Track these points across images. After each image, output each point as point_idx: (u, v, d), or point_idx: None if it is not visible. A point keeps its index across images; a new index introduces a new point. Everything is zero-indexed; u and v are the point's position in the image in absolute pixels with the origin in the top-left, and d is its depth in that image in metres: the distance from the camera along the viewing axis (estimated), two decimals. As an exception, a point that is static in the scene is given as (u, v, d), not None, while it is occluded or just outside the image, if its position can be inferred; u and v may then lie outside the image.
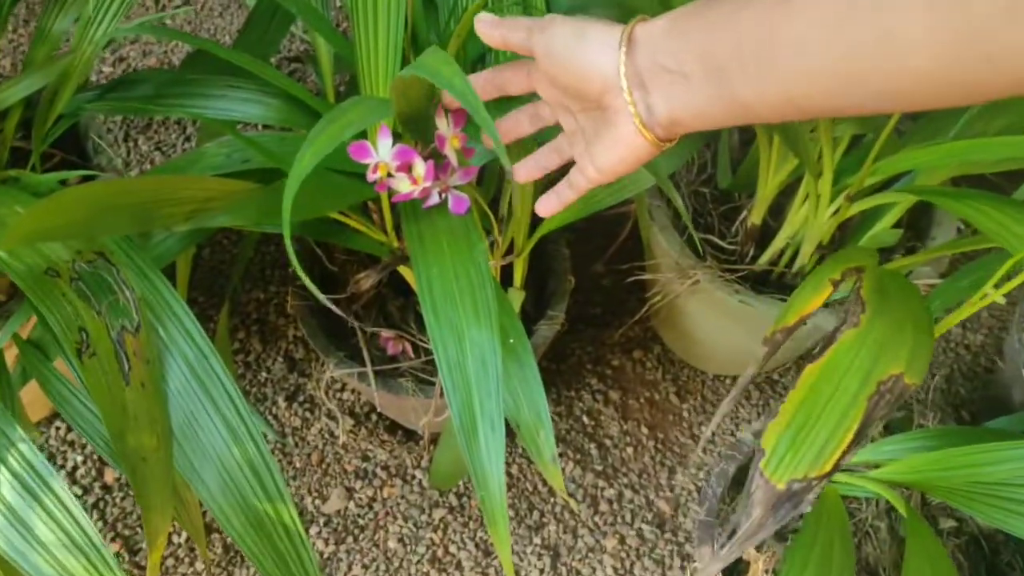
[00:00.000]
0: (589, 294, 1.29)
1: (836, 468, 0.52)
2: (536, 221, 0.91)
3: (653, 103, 0.50)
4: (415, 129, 0.67)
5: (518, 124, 0.64)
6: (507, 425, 0.72)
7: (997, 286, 0.65)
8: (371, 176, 0.65)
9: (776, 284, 1.00)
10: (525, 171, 0.65)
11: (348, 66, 0.92)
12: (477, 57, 0.86)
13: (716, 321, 1.06)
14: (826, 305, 0.70)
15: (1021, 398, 1.07)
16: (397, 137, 0.69)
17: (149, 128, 1.39)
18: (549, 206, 0.64)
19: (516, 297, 0.94)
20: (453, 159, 0.66)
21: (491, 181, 0.93)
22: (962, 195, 0.62)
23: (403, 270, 0.91)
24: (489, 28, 0.57)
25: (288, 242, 0.50)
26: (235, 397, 0.60)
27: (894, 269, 0.76)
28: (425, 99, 0.64)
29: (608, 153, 0.54)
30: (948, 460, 0.66)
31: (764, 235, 1.01)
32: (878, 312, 0.56)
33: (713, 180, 1.07)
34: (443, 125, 0.65)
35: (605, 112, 0.53)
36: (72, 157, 0.94)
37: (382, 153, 0.64)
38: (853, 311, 0.56)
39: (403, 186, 0.65)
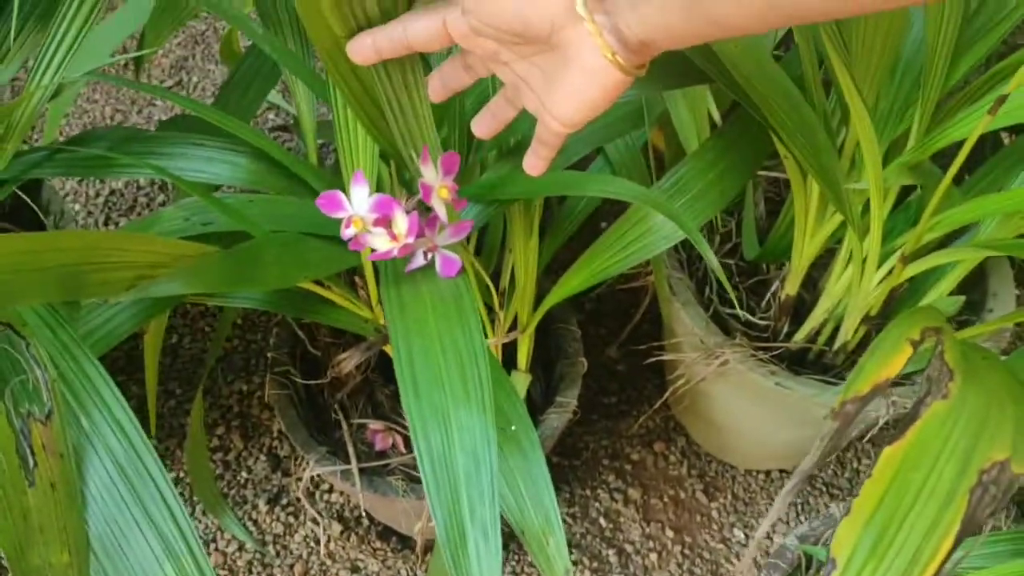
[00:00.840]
0: (603, 382, 1.17)
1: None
2: (541, 294, 0.82)
3: (620, 26, 0.43)
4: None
5: (453, 76, 0.56)
6: (508, 530, 0.60)
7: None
8: (345, 232, 0.55)
9: (815, 364, 0.89)
10: (484, 125, 0.57)
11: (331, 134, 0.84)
12: (474, 112, 0.77)
13: (748, 407, 0.94)
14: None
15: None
16: (377, 187, 0.60)
17: (132, 211, 1.31)
18: (533, 165, 0.55)
19: (521, 381, 0.83)
20: (441, 213, 0.56)
21: (491, 250, 0.83)
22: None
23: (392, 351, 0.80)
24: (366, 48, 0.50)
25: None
26: (171, 502, 0.49)
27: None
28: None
29: (569, 98, 0.47)
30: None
31: (799, 310, 0.90)
32: (969, 381, 0.45)
33: (738, 251, 0.97)
34: (429, 172, 0.55)
35: (557, 51, 0.46)
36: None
37: (356, 205, 0.54)
38: (938, 380, 0.45)
39: (381, 243, 0.55)
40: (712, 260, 0.61)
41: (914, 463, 0.42)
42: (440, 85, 0.56)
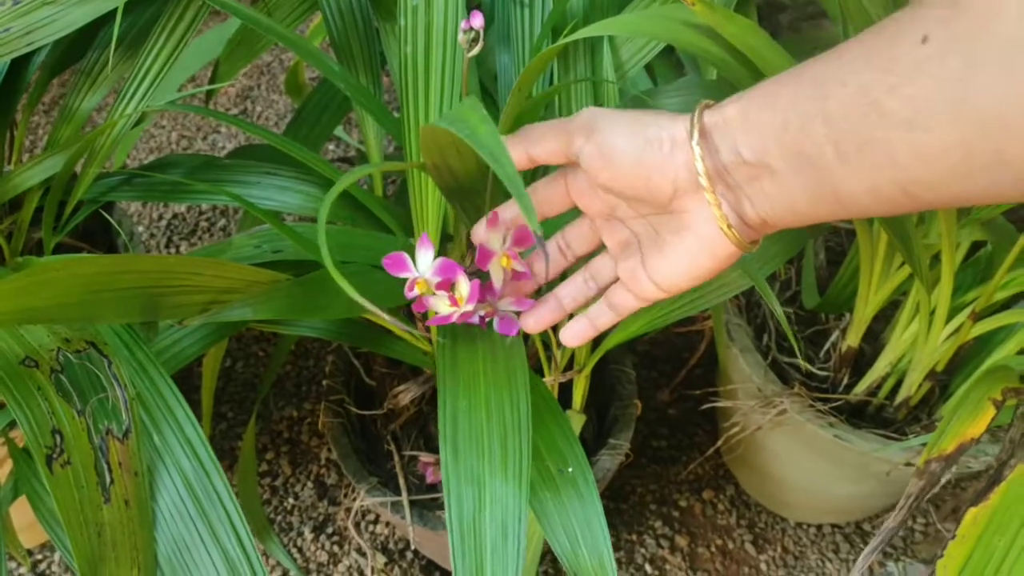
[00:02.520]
0: (653, 426, 1.16)
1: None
2: (601, 335, 0.81)
3: (740, 202, 0.42)
4: (466, 209, 0.58)
5: (575, 289, 0.54)
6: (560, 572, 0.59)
7: None
8: (408, 293, 0.55)
9: (875, 418, 0.87)
10: (538, 318, 0.55)
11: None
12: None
13: (802, 459, 0.93)
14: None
15: None
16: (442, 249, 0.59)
17: (193, 234, 1.34)
18: (578, 332, 0.54)
19: (576, 421, 0.82)
20: (497, 282, 0.55)
21: (550, 287, 0.83)
22: None
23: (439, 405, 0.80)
24: (509, 148, 0.48)
25: (327, 258, 0.40)
26: (238, 524, 0.50)
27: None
28: (476, 174, 0.55)
29: (675, 264, 0.45)
30: None
31: (858, 362, 0.89)
32: (1051, 444, 0.44)
33: (797, 300, 0.96)
34: (495, 239, 0.55)
35: (674, 216, 0.45)
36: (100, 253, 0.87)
37: (421, 267, 0.54)
38: (1022, 441, 0.44)
39: (443, 307, 0.54)
40: (777, 309, 0.61)
41: (999, 526, 0.41)
42: (555, 303, 0.55)
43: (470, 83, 0.69)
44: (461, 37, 0.60)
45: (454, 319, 0.54)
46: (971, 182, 0.34)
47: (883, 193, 0.36)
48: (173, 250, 1.31)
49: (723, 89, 0.64)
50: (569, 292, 0.54)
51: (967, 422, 0.46)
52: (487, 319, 0.58)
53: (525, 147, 0.48)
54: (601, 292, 0.53)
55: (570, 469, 0.65)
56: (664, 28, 0.57)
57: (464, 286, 0.54)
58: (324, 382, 0.90)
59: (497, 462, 0.53)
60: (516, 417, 0.55)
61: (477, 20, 0.59)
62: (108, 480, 0.46)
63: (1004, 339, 0.76)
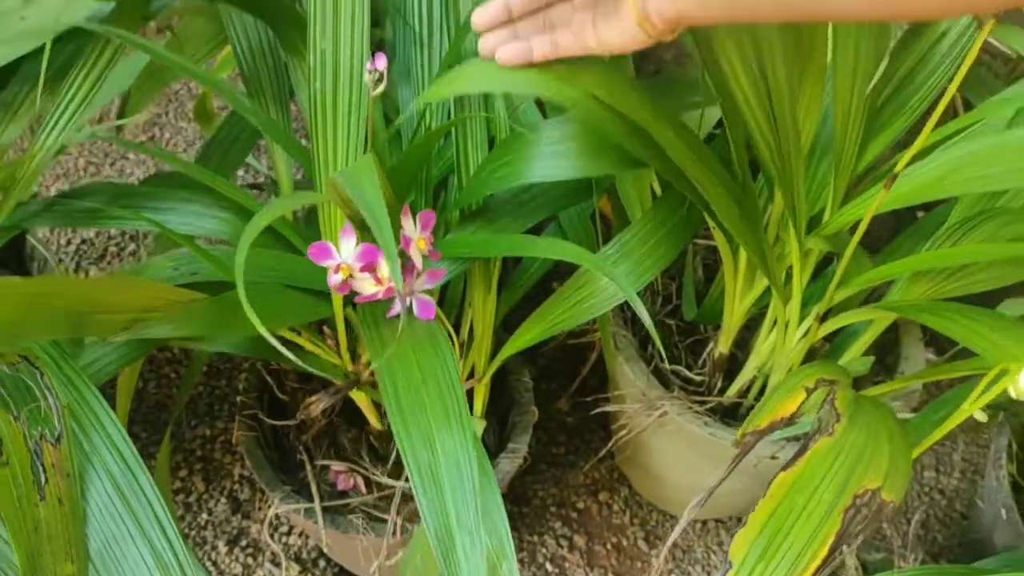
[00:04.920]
0: (552, 433, 1.24)
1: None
2: (498, 347, 0.88)
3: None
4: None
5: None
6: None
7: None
8: (332, 279, 0.62)
9: (746, 416, 0.97)
10: (512, 50, 0.59)
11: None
12: (439, 180, 0.85)
13: (685, 457, 1.02)
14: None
15: (1002, 540, 1.02)
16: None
17: (102, 259, 1.36)
18: (518, 53, 0.58)
19: (476, 426, 0.89)
20: (418, 262, 0.63)
21: (452, 304, 0.90)
22: (939, 308, 0.60)
23: (357, 397, 0.86)
24: None
25: (241, 289, 0.46)
26: (164, 520, 0.55)
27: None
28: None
29: (611, 34, 0.56)
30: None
31: (732, 367, 0.98)
32: (853, 424, 0.53)
33: (678, 312, 1.05)
34: (409, 226, 0.63)
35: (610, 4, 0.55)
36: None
37: (344, 253, 0.62)
38: (827, 421, 0.53)
39: (367, 287, 0.62)
40: (646, 318, 0.68)
41: (800, 487, 0.50)
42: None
43: (375, 115, 0.76)
44: (367, 77, 0.67)
45: (380, 296, 0.62)
46: None
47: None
48: (83, 274, 1.33)
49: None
50: (537, 44, 0.60)
51: (781, 404, 0.55)
52: (408, 301, 0.65)
53: None
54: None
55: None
56: (526, 79, 0.63)
57: (386, 267, 0.61)
58: (238, 398, 0.95)
59: (440, 416, 0.60)
60: (448, 378, 0.63)
61: (381, 62, 0.66)
62: (43, 480, 0.50)
63: (851, 345, 0.87)
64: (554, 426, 1.24)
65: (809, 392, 0.55)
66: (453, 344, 0.83)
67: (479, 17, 0.60)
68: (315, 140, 0.72)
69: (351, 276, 0.61)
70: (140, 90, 0.99)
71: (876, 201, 0.64)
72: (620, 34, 0.56)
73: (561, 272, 0.89)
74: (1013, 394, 0.54)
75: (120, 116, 1.04)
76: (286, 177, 0.91)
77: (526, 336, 0.81)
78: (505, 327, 0.91)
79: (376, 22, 0.88)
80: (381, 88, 0.66)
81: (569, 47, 0.58)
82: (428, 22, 0.85)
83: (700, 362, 1.01)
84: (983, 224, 0.70)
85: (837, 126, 0.70)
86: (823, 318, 0.77)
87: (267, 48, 0.86)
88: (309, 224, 0.90)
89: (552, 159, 0.70)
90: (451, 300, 0.89)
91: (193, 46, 0.93)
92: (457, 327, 0.89)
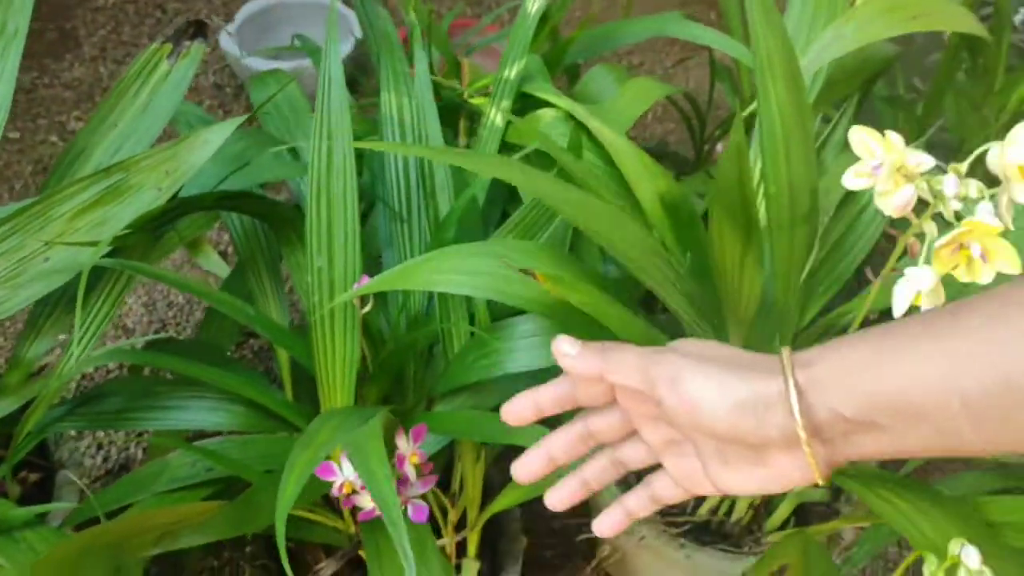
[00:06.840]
0: (542, 536, 1.31)
1: None
2: (488, 495, 0.96)
3: (833, 453, 0.43)
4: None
5: (599, 474, 0.53)
6: None
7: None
8: (336, 493, 0.70)
9: (717, 533, 1.05)
10: (561, 496, 0.53)
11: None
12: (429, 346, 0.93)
13: (669, 574, 1.10)
14: None
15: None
16: None
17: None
18: (614, 523, 0.54)
19: (471, 568, 0.97)
20: (412, 475, 0.71)
21: (440, 456, 0.98)
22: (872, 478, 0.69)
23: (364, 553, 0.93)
24: (570, 349, 0.48)
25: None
26: None
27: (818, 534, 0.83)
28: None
29: (745, 480, 0.46)
30: None
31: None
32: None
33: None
34: (403, 444, 0.71)
35: (753, 451, 0.45)
36: (33, 458, 0.96)
37: (347, 472, 0.70)
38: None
39: (367, 503, 0.70)
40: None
41: None
42: (579, 484, 0.53)
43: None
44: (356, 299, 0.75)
45: (378, 512, 0.70)
46: None
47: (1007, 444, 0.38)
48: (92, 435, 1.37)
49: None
50: (595, 475, 0.53)
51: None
52: (404, 507, 0.73)
53: (600, 361, 0.47)
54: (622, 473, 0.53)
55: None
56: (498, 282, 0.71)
57: None
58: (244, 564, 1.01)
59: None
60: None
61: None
62: None
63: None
64: (543, 530, 1.31)
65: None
66: (442, 499, 0.91)
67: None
68: (314, 339, 0.79)
69: (354, 491, 0.69)
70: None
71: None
72: (760, 483, 0.45)
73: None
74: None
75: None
76: (286, 367, 0.96)
77: (517, 492, 0.89)
78: (497, 462, 0.98)
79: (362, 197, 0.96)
80: (368, 307, 0.75)
81: (674, 497, 0.50)
82: (407, 203, 0.94)
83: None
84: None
85: (777, 295, 0.79)
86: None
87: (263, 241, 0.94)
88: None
89: (530, 351, 0.78)
90: (439, 452, 0.97)
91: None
92: (448, 478, 0.96)
